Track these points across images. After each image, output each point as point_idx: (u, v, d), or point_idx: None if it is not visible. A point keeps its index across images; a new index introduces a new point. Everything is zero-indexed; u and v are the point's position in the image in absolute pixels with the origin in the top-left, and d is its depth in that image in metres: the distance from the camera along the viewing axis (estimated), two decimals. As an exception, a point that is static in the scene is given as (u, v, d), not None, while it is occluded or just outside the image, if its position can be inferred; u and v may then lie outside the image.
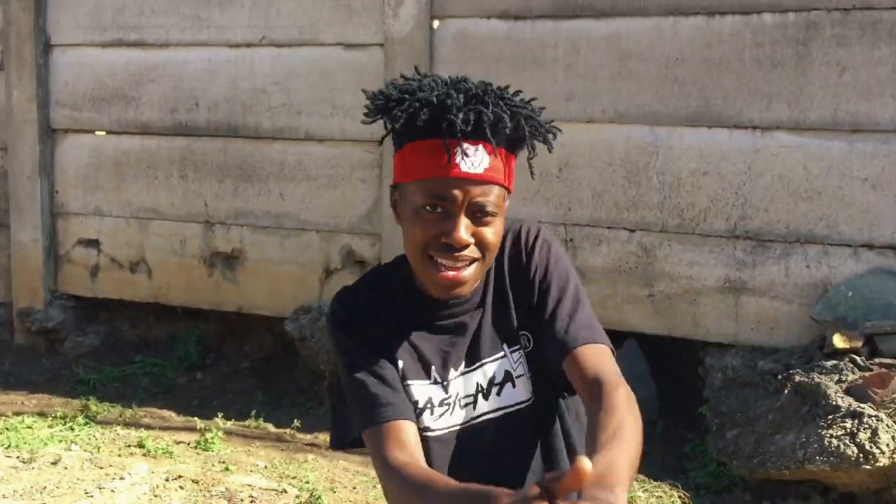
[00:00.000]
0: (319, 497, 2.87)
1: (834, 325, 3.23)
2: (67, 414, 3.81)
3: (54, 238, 4.82)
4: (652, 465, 3.33)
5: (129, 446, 3.44)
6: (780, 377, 3.16)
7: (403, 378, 1.47)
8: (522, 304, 1.49)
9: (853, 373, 3.04)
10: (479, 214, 1.38)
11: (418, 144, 1.38)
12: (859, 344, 3.15)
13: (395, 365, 1.47)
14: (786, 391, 3.07)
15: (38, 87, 4.72)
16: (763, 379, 3.25)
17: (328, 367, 4.05)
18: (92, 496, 2.77)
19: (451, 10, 3.96)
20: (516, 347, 1.49)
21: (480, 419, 1.50)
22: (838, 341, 3.14)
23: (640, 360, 3.65)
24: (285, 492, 2.92)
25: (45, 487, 2.88)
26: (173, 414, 3.96)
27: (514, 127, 1.39)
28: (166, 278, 4.60)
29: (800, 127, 3.47)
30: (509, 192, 1.43)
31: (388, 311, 1.48)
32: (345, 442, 1.53)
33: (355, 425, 1.46)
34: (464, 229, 1.37)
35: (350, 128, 4.18)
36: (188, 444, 3.52)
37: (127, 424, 3.75)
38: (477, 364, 1.50)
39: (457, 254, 1.38)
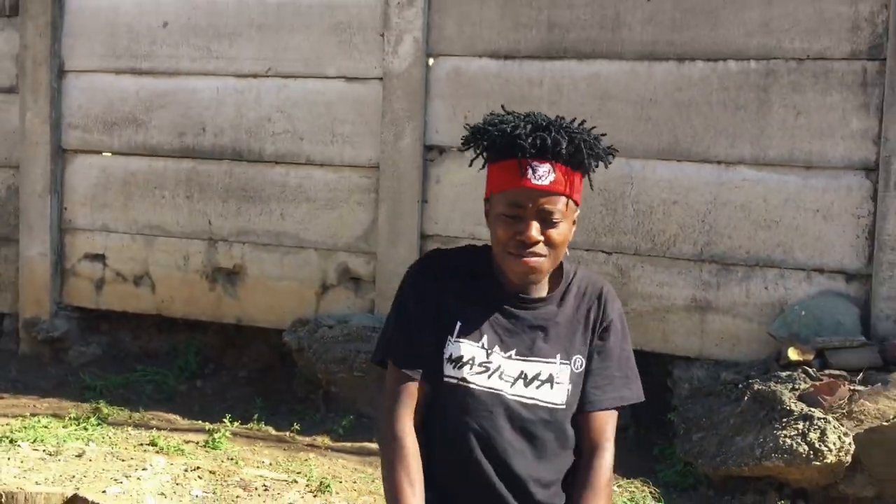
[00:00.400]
0: (329, 485, 3.16)
1: (789, 341, 3.60)
2: (80, 415, 4.06)
3: (61, 253, 5.08)
4: (624, 466, 3.65)
5: (143, 444, 3.70)
6: (740, 386, 3.52)
7: (459, 334, 1.82)
8: (586, 339, 1.87)
9: (805, 382, 3.40)
10: (547, 218, 1.74)
11: (500, 164, 1.76)
12: (811, 357, 3.52)
13: (454, 322, 1.82)
14: (745, 398, 3.42)
15: (51, 110, 5.00)
16: (725, 388, 3.60)
17: (325, 376, 4.34)
18: (120, 482, 3.03)
19: (446, 48, 4.32)
20: (566, 362, 1.85)
21: (513, 397, 1.84)
22: (793, 354, 3.51)
23: (614, 371, 3.99)
24: (296, 482, 3.21)
25: (74, 476, 3.14)
26: (178, 417, 4.23)
27: (573, 149, 1.75)
28: (169, 292, 4.88)
29: (760, 163, 3.87)
30: (576, 203, 1.80)
31: (467, 279, 1.85)
32: (379, 359, 1.89)
33: (381, 349, 1.84)
34: (534, 230, 1.74)
35: (349, 154, 4.52)
36: (197, 443, 3.78)
37: (137, 426, 4.01)
38: (530, 358, 1.85)
39: (529, 250, 1.75)
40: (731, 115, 3.89)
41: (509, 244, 1.75)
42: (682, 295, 3.99)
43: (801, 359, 3.50)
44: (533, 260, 1.76)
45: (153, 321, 5.06)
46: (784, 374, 3.47)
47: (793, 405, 3.24)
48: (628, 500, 3.29)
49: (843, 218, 3.77)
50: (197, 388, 4.72)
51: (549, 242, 1.75)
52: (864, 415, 3.20)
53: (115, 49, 4.90)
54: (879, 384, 3.31)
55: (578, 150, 1.75)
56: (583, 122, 1.81)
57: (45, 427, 3.87)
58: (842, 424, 3.17)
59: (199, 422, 4.12)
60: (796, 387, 3.38)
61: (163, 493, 3.00)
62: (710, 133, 3.93)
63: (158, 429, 3.95)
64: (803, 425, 3.14)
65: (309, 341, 4.40)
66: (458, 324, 1.81)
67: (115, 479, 3.06)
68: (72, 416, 4.05)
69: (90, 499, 2.84)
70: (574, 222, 1.81)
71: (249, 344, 4.92)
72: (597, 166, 1.82)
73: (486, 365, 1.82)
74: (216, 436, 3.79)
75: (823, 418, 3.14)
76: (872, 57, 3.70)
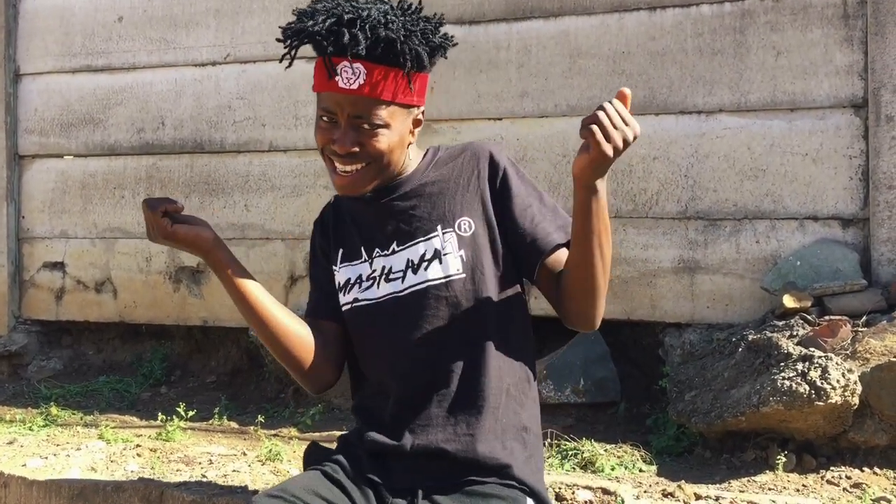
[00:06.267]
0: (279, 453, 2.86)
1: (784, 290, 3.31)
2: (27, 418, 3.77)
3: (19, 263, 4.83)
4: (614, 439, 3.34)
5: (88, 438, 3.40)
6: (734, 340, 3.22)
7: (342, 261, 1.70)
8: (474, 200, 1.64)
9: (804, 328, 3.10)
10: (363, 126, 1.56)
11: (316, 61, 1.59)
12: (809, 304, 3.22)
13: (336, 254, 1.71)
14: (740, 350, 3.12)
15: (6, 116, 4.81)
16: (719, 345, 3.30)
17: (292, 367, 4.04)
18: (46, 458, 2.73)
19: (407, 19, 4.13)
20: (449, 229, 1.61)
21: (407, 291, 1.64)
22: (788, 301, 3.22)
23: (599, 342, 3.69)
24: (245, 454, 2.90)
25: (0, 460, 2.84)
26: (136, 419, 3.92)
27: (385, 45, 1.53)
28: (132, 297, 4.61)
29: (741, 109, 3.63)
30: (409, 106, 1.59)
31: (342, 209, 1.74)
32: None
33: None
34: (346, 139, 1.56)
35: (313, 137, 4.29)
36: (148, 436, 3.48)
37: (87, 425, 3.71)
38: (409, 243, 1.66)
39: (344, 159, 1.58)
40: (707, 61, 3.67)
41: (325, 150, 1.61)
42: (669, 256, 3.71)
43: (797, 306, 3.21)
44: (351, 176, 1.58)
45: (116, 331, 4.79)
46: (780, 322, 3.17)
47: (791, 349, 2.94)
48: (617, 463, 2.96)
49: (833, 160, 3.51)
50: (161, 394, 4.41)
51: (366, 152, 1.58)
52: (870, 353, 2.89)
53: (70, 48, 4.74)
54: (885, 321, 3.01)
55: (390, 46, 1.53)
56: (416, 8, 1.58)
57: (-13, 428, 3.58)
58: (846, 364, 2.85)
59: (157, 421, 3.81)
60: (794, 333, 3.08)
61: (93, 468, 2.69)
62: (686, 82, 3.70)
63: (109, 426, 3.65)
64: (803, 366, 2.83)
65: (275, 334, 4.12)
66: (340, 251, 1.70)
67: (42, 456, 2.76)
68: (17, 418, 3.75)
69: (7, 472, 2.54)
70: (417, 122, 1.63)
71: (217, 348, 4.64)
72: (432, 61, 1.60)
73: (371, 277, 1.65)
74: (169, 427, 3.49)
75: (824, 356, 2.83)
76: (852, -13, 3.49)
